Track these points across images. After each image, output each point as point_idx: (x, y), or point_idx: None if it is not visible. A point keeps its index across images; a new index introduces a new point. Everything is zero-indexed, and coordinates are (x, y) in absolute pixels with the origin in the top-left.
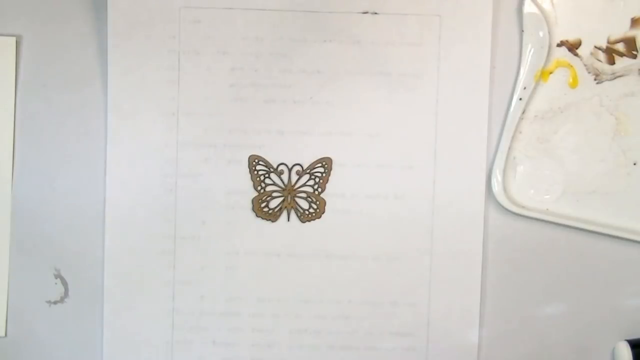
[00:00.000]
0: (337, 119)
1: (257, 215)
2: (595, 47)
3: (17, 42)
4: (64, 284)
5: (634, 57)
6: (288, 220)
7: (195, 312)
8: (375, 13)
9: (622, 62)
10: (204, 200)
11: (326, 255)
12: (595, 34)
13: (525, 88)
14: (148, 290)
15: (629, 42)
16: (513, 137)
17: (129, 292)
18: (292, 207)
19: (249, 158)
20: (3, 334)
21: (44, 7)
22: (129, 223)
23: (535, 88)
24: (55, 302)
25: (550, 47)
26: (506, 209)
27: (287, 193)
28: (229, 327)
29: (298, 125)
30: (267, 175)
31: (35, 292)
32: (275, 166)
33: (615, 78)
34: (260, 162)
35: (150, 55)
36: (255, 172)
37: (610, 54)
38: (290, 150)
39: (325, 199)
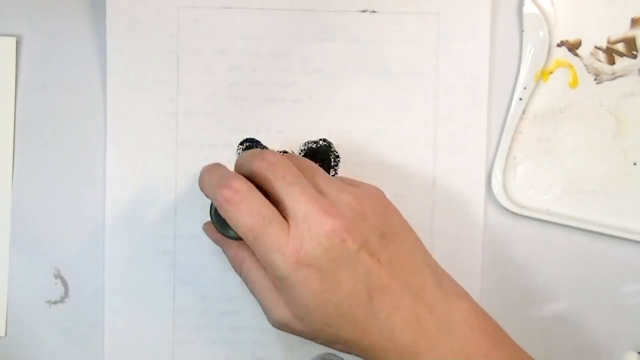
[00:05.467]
0: (336, 117)
1: None
2: (595, 47)
3: (17, 42)
4: (64, 284)
5: (634, 57)
6: None
7: (196, 311)
8: (374, 11)
9: (622, 62)
10: (204, 199)
11: None
12: (595, 34)
13: (525, 88)
14: (148, 290)
15: (629, 42)
16: (513, 137)
17: (129, 292)
18: None
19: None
20: (3, 334)
21: (44, 7)
22: (129, 223)
23: (535, 88)
24: (55, 302)
25: (550, 47)
26: (506, 209)
27: None
28: (230, 327)
29: (297, 125)
30: None
31: (35, 292)
32: None
33: (615, 78)
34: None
35: (149, 55)
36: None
37: (610, 54)
38: (290, 150)
39: None
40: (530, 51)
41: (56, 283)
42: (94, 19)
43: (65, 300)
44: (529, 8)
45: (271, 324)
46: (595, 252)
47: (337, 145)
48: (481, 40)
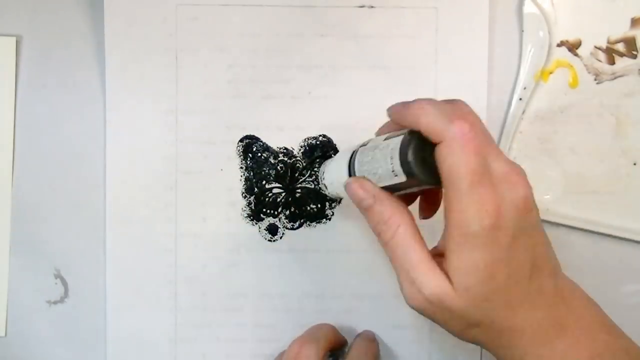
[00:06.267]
0: (335, 113)
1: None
2: (595, 47)
3: (17, 42)
4: (64, 284)
5: (634, 57)
6: (289, 215)
7: (198, 309)
8: (372, 7)
9: (622, 62)
10: (204, 197)
11: (327, 250)
12: (595, 34)
13: (525, 88)
14: (150, 289)
15: (629, 42)
16: (513, 137)
17: (131, 290)
18: (292, 202)
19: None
20: (3, 334)
21: (44, 7)
22: (130, 222)
23: (535, 88)
24: (55, 302)
25: (550, 47)
26: None
27: (287, 188)
28: (232, 323)
29: (297, 121)
30: (267, 171)
31: (35, 292)
32: (274, 162)
33: (615, 78)
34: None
35: (147, 53)
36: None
37: (610, 54)
38: (290, 146)
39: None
40: (530, 51)
41: (56, 283)
42: (94, 19)
43: (65, 300)
44: (529, 8)
45: (414, 303)
46: (596, 252)
47: (336, 141)
48: (479, 34)
